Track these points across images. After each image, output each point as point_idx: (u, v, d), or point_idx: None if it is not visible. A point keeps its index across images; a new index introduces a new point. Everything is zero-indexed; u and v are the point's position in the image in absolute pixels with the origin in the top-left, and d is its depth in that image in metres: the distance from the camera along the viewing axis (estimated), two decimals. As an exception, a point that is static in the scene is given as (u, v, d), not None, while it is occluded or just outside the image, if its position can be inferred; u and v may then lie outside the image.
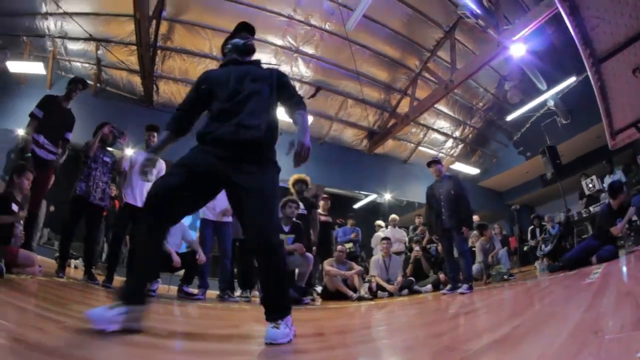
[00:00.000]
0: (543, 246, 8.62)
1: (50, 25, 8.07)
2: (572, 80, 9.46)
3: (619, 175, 8.61)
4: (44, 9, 7.72)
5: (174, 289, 5.64)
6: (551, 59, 9.24)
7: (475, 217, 10.79)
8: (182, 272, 5.29)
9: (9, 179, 4.19)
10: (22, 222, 4.06)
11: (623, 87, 2.22)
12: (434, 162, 6.32)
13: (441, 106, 11.35)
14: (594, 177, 10.04)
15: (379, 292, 6.69)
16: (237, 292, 5.85)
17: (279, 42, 9.02)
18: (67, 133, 4.97)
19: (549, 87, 10.25)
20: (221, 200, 5.47)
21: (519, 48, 7.71)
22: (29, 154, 4.45)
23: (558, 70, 9.48)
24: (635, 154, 8.18)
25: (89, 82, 8.46)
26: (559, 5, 2.01)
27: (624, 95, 2.28)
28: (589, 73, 2.24)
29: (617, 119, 2.42)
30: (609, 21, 1.93)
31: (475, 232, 8.00)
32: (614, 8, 1.87)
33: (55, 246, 7.86)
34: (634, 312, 1.71)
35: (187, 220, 7.48)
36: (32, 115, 4.63)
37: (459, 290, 5.36)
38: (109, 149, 5.26)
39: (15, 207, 3.82)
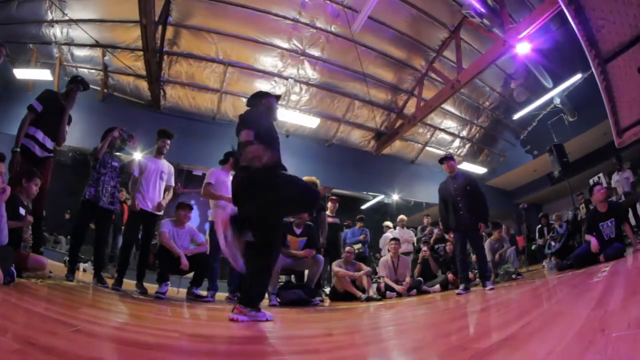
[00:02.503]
0: (552, 244, 8.55)
1: (57, 32, 8.19)
2: (578, 77, 9.40)
3: (627, 173, 8.52)
4: (50, 17, 7.85)
5: (183, 292, 5.68)
6: (557, 56, 9.20)
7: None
8: (191, 274, 5.32)
9: (15, 182, 4.01)
10: (30, 226, 4.09)
11: (629, 86, 2.22)
12: (447, 158, 6.19)
13: (448, 106, 11.34)
14: (600, 174, 9.98)
15: (387, 292, 6.68)
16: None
17: (285, 45, 9.08)
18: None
19: (555, 85, 10.20)
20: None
21: (524, 46, 7.68)
22: (17, 149, 4.11)
23: (564, 68, 9.43)
24: (643, 151, 8.15)
25: (96, 87, 8.61)
26: (565, 9, 2.02)
27: (630, 93, 2.27)
28: (595, 73, 2.23)
29: (624, 117, 2.42)
30: (614, 22, 1.93)
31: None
32: (619, 9, 1.87)
33: (63, 249, 7.95)
34: (640, 310, 1.71)
35: (194, 222, 7.54)
36: (30, 107, 4.38)
37: (488, 287, 5.28)
38: (117, 153, 5.29)
39: (22, 211, 3.85)
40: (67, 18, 7.70)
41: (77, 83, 4.81)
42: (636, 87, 2.20)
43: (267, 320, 2.74)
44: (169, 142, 5.46)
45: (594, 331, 1.50)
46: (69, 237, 8.82)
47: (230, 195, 5.29)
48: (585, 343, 1.35)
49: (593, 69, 2.20)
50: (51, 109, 4.49)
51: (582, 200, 9.71)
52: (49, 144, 4.52)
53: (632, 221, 7.47)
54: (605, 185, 9.33)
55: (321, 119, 10.59)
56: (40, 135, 4.38)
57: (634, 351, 1.12)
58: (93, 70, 9.03)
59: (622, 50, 2.07)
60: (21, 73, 8.25)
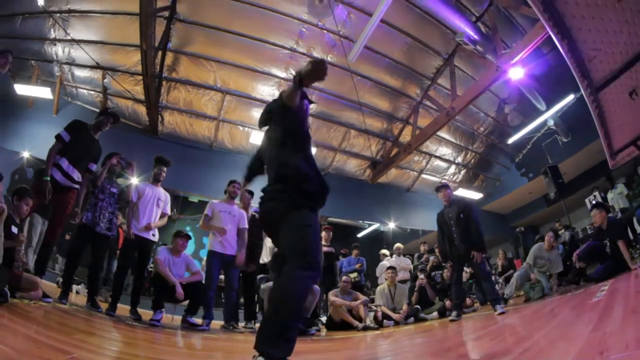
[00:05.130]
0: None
1: (59, 51, 8.29)
2: (570, 98, 9.50)
3: (620, 188, 8.60)
4: (52, 35, 7.95)
5: (178, 319, 5.60)
6: (549, 78, 9.34)
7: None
8: (187, 302, 5.26)
9: (11, 200, 4.03)
10: (23, 246, 4.04)
11: (621, 109, 2.27)
12: (443, 187, 6.22)
13: (443, 133, 11.43)
14: (596, 193, 10.06)
15: (384, 321, 6.63)
16: (242, 324, 5.82)
17: (282, 74, 9.20)
18: (92, 164, 4.76)
19: (549, 107, 10.31)
20: (231, 232, 5.54)
21: (517, 71, 7.82)
22: (47, 178, 4.12)
23: (556, 89, 9.57)
24: (637, 165, 8.20)
25: (95, 109, 8.67)
26: (558, 44, 2.08)
27: (622, 117, 2.33)
28: (587, 102, 2.29)
29: (616, 139, 2.46)
30: (605, 51, 1.99)
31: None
32: (609, 38, 1.93)
33: (56, 269, 7.87)
34: (638, 331, 1.71)
35: (189, 249, 7.49)
36: (58, 137, 4.39)
37: (498, 312, 5.09)
38: (116, 179, 5.30)
39: (14, 230, 3.81)
40: (69, 38, 7.79)
41: (108, 116, 4.89)
42: (628, 110, 2.26)
43: None
44: (165, 169, 5.48)
45: (593, 354, 1.50)
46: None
47: (223, 226, 5.38)
48: (584, 365, 1.35)
49: (585, 98, 2.25)
50: (79, 139, 4.52)
51: (559, 226, 9.81)
52: (76, 175, 4.51)
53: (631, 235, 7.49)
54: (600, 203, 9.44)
55: (317, 149, 10.63)
56: (64, 164, 4.37)
57: (632, 372, 1.12)
58: (92, 92, 9.07)
59: (614, 77, 2.13)
60: (21, 89, 8.26)
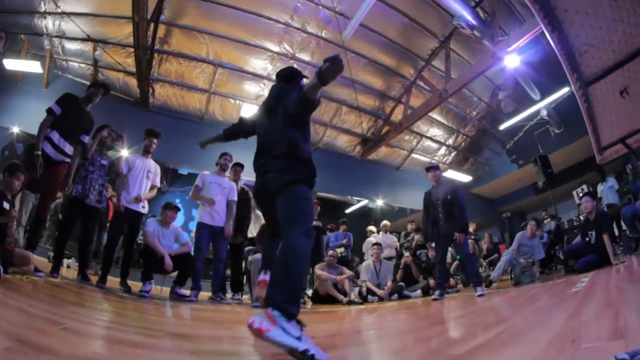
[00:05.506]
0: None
1: (49, 24, 8.06)
2: (565, 90, 9.51)
3: (611, 182, 8.72)
4: (42, 8, 7.71)
5: (167, 290, 5.68)
6: (545, 69, 9.34)
7: (471, 227, 10.93)
8: (175, 273, 5.33)
9: (2, 176, 4.05)
10: (15, 221, 4.04)
11: (610, 107, 2.30)
12: (433, 167, 6.25)
13: (435, 114, 11.46)
14: (584, 185, 10.20)
15: (369, 296, 6.75)
16: (229, 295, 5.91)
17: (276, 48, 9.09)
18: (83, 136, 4.72)
19: (543, 97, 10.36)
20: (221, 204, 5.58)
21: (513, 59, 7.82)
22: (38, 152, 4.08)
23: (552, 81, 9.57)
24: (626, 163, 8.31)
25: (85, 82, 8.53)
26: (547, 35, 2.10)
27: (611, 114, 2.37)
28: (576, 96, 2.32)
29: (605, 135, 2.51)
30: (597, 47, 2.01)
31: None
32: (603, 35, 1.95)
33: (47, 244, 7.86)
34: (612, 323, 1.78)
35: (179, 221, 7.52)
36: (49, 110, 4.33)
37: (478, 293, 5.21)
38: (106, 151, 5.26)
39: (6, 206, 3.81)
40: (59, 10, 7.59)
41: (99, 87, 4.84)
42: (618, 109, 2.29)
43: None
44: (156, 141, 5.47)
45: (565, 341, 1.57)
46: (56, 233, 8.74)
47: (212, 197, 5.41)
48: (556, 352, 1.42)
49: (575, 91, 2.28)
50: (70, 112, 4.47)
51: (546, 215, 9.98)
52: (67, 148, 4.47)
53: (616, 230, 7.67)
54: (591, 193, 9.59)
55: (308, 123, 10.61)
56: (55, 137, 4.33)
57: (599, 361, 1.19)
58: (83, 65, 8.90)
59: (605, 74, 2.15)
60: (11, 64, 8.08)
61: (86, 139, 4.79)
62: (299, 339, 1.55)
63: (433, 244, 6.99)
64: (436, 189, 6.10)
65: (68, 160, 4.52)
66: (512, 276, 7.26)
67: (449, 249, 6.67)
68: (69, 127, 4.47)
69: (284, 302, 1.67)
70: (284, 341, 1.53)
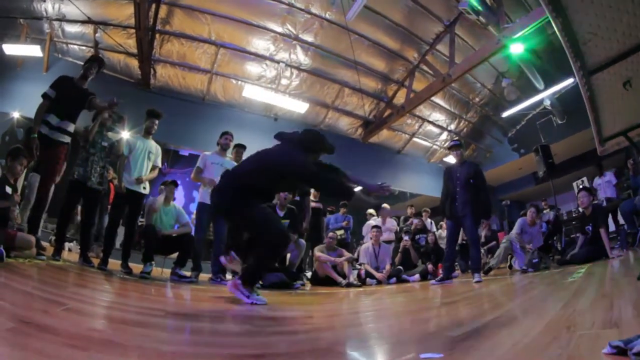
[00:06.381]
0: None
1: (48, 7, 7.95)
2: (570, 81, 9.44)
3: (609, 176, 8.71)
4: None
5: (167, 272, 5.72)
6: (550, 58, 9.28)
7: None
8: (176, 254, 5.38)
9: (4, 162, 4.11)
10: (18, 205, 4.06)
11: (613, 98, 2.29)
12: (456, 145, 6.09)
13: (437, 99, 11.43)
14: (584, 178, 10.21)
15: (367, 279, 6.80)
16: (229, 276, 5.95)
17: (279, 29, 9.01)
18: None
19: (547, 87, 10.29)
20: None
21: (518, 46, 7.76)
22: (35, 135, 4.15)
23: (556, 71, 9.51)
24: (627, 158, 8.30)
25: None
26: (552, 21, 2.07)
27: (614, 105, 2.35)
28: (579, 84, 2.30)
29: (607, 127, 2.49)
30: (602, 37, 1.98)
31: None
32: (607, 25, 1.92)
33: (48, 228, 7.90)
34: (606, 313, 1.81)
35: (180, 202, 7.55)
36: (44, 95, 4.37)
37: (475, 280, 5.22)
38: (107, 133, 5.25)
39: (9, 190, 3.83)
40: (59, -7, 7.50)
41: (93, 62, 4.79)
42: (620, 100, 2.28)
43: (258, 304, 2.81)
44: (157, 122, 5.43)
45: (560, 328, 1.60)
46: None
47: (213, 178, 5.43)
48: (550, 338, 1.44)
49: (577, 80, 2.26)
50: (65, 93, 4.46)
51: (545, 205, 9.99)
52: (67, 126, 4.49)
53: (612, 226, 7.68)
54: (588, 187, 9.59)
55: (310, 104, 10.59)
56: (54, 120, 4.35)
57: (593, 348, 1.21)
58: (84, 47, 8.81)
59: (609, 64, 2.13)
60: (10, 49, 8.01)
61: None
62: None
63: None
64: (458, 167, 5.92)
65: (67, 141, 4.52)
66: (511, 264, 7.30)
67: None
68: (66, 109, 4.49)
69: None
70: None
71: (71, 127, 4.55)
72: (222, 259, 3.01)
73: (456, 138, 13.31)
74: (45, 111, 4.32)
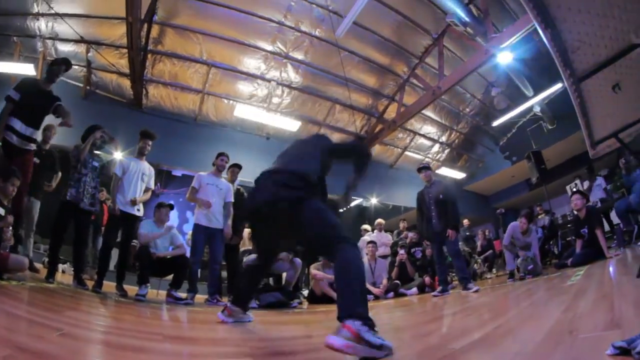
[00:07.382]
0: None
1: (42, 25, 7.96)
2: (558, 86, 9.56)
3: (599, 180, 8.79)
4: (35, 9, 7.62)
5: (163, 293, 5.66)
6: (538, 65, 9.39)
7: (465, 222, 10.99)
8: (171, 276, 5.32)
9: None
10: (20, 230, 3.99)
11: (603, 102, 2.32)
12: (424, 168, 6.48)
13: (428, 112, 11.49)
14: (577, 181, 10.28)
15: (365, 295, 6.74)
16: (226, 297, 5.90)
17: (269, 47, 9.07)
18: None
19: (536, 93, 10.41)
20: (217, 205, 5.56)
21: (506, 55, 7.87)
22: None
23: (544, 77, 9.63)
24: (619, 157, 8.38)
25: (78, 84, 8.48)
26: (541, 33, 2.11)
27: (604, 109, 2.38)
28: (569, 91, 2.33)
29: (597, 130, 2.52)
30: (590, 44, 2.02)
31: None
32: (595, 31, 1.96)
33: (41, 250, 7.80)
34: (607, 314, 1.81)
35: (173, 223, 7.49)
36: (7, 98, 4.17)
37: (472, 290, 5.39)
38: (97, 152, 5.23)
39: (1, 211, 3.77)
40: (53, 11, 7.49)
41: (60, 65, 4.62)
42: (610, 103, 2.31)
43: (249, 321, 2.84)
44: (150, 143, 5.43)
45: (562, 332, 1.59)
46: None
47: (209, 199, 5.39)
48: (553, 344, 1.44)
49: (567, 87, 2.28)
50: (30, 96, 4.31)
51: (540, 210, 10.05)
52: (33, 134, 4.38)
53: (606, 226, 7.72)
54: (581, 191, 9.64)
55: (302, 122, 10.58)
56: (18, 125, 4.21)
57: (597, 351, 1.21)
58: (76, 67, 8.76)
59: (598, 69, 2.16)
60: (3, 66, 7.98)
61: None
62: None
63: (426, 242, 7.08)
64: (428, 189, 6.30)
65: (34, 147, 4.45)
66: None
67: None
68: (32, 113, 4.35)
69: (357, 308, 1.82)
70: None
71: (37, 135, 4.46)
72: (220, 315, 2.83)
73: (436, 157, 13.43)
74: (8, 115, 4.16)
